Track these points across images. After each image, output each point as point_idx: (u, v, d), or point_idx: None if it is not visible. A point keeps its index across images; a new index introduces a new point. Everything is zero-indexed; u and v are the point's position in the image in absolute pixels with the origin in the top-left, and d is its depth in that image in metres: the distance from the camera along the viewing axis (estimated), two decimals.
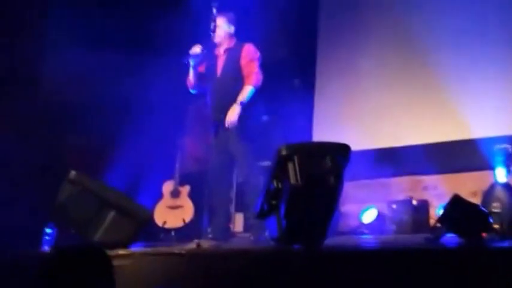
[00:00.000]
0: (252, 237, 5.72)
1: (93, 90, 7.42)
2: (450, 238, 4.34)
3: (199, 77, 5.95)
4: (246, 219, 6.47)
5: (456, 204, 4.47)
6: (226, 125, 5.64)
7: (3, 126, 6.70)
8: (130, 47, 7.46)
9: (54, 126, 7.23)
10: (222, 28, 5.86)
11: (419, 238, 4.77)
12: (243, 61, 5.77)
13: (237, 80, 5.75)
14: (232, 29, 5.91)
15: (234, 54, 5.83)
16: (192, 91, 6.07)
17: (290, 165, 4.39)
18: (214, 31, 5.76)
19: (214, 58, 5.91)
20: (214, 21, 5.76)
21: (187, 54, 5.83)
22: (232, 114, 5.61)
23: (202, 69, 5.96)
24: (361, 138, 6.98)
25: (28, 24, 7.04)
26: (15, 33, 6.94)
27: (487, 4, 6.95)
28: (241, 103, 5.61)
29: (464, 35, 7.00)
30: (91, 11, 7.36)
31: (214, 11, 5.73)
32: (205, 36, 5.86)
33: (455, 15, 7.10)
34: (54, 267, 2.66)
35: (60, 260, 2.67)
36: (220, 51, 5.92)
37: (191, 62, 5.84)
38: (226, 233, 5.85)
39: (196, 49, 5.79)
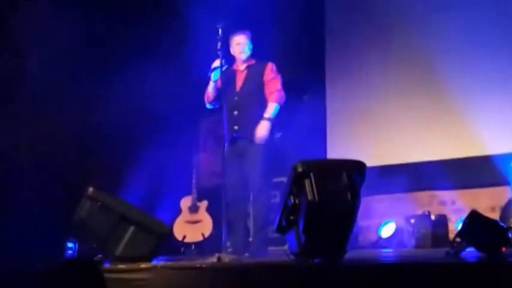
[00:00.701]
0: (247, 254, 5.73)
1: (109, 109, 7.50)
2: (470, 252, 4.35)
3: (217, 92, 5.99)
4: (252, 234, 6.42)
5: (474, 219, 4.48)
6: (256, 141, 5.70)
7: (30, 150, 6.84)
8: (143, 63, 7.55)
9: (74, 147, 7.33)
10: (247, 46, 5.95)
11: (439, 252, 4.78)
12: (267, 78, 5.86)
13: (257, 96, 5.81)
14: (251, 47, 6.00)
15: (256, 71, 5.90)
16: (208, 105, 6.12)
17: (307, 182, 4.43)
18: (221, 51, 5.82)
19: (233, 73, 5.97)
20: (221, 41, 5.82)
21: (210, 69, 5.90)
22: (263, 130, 5.69)
23: (218, 84, 6.01)
24: (376, 154, 7.03)
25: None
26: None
27: (506, 15, 6.97)
28: (270, 119, 5.67)
29: (481, 49, 7.03)
30: (99, 28, 7.41)
31: (220, 31, 5.80)
32: (213, 55, 5.92)
33: (473, 29, 7.13)
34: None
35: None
36: (240, 67, 5.98)
37: (213, 76, 5.90)
38: (246, 247, 5.85)
39: (217, 63, 5.86)
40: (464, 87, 6.98)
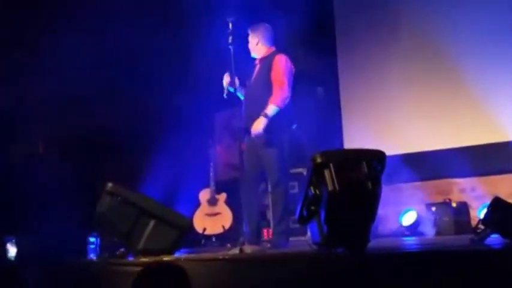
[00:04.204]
0: (269, 245, 5.72)
1: (127, 105, 7.54)
2: (495, 239, 4.34)
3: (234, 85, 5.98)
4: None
5: (497, 205, 4.46)
6: (252, 135, 5.67)
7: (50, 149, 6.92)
8: (158, 62, 7.56)
9: (94, 143, 7.39)
10: (252, 42, 5.93)
11: (463, 240, 4.77)
12: (273, 73, 5.79)
13: (264, 90, 5.76)
14: (257, 40, 5.94)
15: (266, 64, 5.87)
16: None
17: (326, 173, 4.43)
18: (232, 44, 5.80)
19: (253, 65, 5.97)
20: (232, 35, 5.80)
21: (223, 89, 5.89)
22: (257, 126, 5.62)
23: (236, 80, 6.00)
24: (393, 143, 7.00)
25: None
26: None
27: None
28: (267, 116, 5.61)
29: (498, 33, 6.97)
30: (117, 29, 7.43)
31: (230, 25, 5.77)
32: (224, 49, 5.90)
33: (491, 21, 7.07)
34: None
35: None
36: (256, 62, 5.97)
37: (231, 90, 5.90)
38: (258, 238, 5.84)
39: (227, 78, 5.86)
40: (483, 73, 6.94)
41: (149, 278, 2.91)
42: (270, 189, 5.93)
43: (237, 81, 5.88)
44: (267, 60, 5.86)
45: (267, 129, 5.62)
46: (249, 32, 5.95)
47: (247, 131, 5.73)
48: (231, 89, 5.90)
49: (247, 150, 5.83)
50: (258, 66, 5.93)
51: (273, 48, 5.92)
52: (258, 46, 5.94)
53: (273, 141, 5.68)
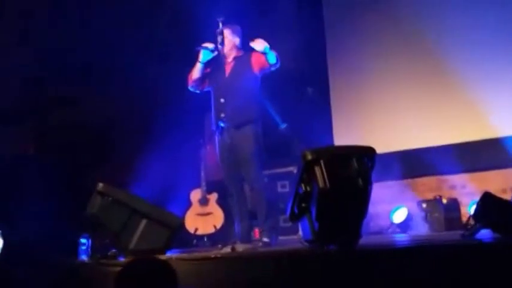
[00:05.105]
0: (261, 243, 5.72)
1: (118, 106, 7.52)
2: (485, 234, 4.35)
3: (203, 76, 5.98)
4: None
5: (488, 200, 4.48)
6: (258, 47, 5.60)
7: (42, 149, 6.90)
8: (152, 60, 7.55)
9: (84, 143, 7.37)
10: (228, 39, 5.93)
11: (454, 235, 4.78)
12: (254, 59, 5.81)
13: (246, 83, 5.79)
14: (237, 40, 5.98)
15: (244, 59, 5.89)
16: (190, 88, 6.06)
17: (317, 169, 4.44)
18: (222, 44, 5.81)
19: (223, 64, 5.97)
20: (222, 34, 5.81)
21: (200, 45, 5.87)
22: (262, 42, 5.58)
23: (207, 70, 5.99)
24: (384, 140, 7.01)
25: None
26: None
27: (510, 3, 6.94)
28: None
29: (487, 34, 6.98)
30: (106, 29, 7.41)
31: (220, 25, 5.79)
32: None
33: (480, 15, 7.07)
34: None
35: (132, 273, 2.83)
36: (228, 60, 5.98)
37: (201, 56, 5.87)
38: (250, 237, 5.83)
39: (210, 45, 5.85)
40: (472, 70, 6.95)
41: (133, 272, 2.88)
42: (249, 185, 5.91)
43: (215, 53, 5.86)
44: (244, 57, 5.88)
45: (248, 118, 5.67)
46: (228, 30, 5.93)
47: (234, 125, 5.72)
48: (207, 52, 5.84)
49: (222, 150, 5.84)
50: (231, 64, 5.94)
51: (242, 50, 5.97)
52: (235, 46, 5.95)
53: (253, 132, 5.69)
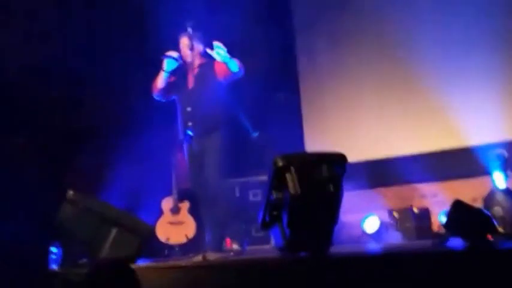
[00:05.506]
0: (232, 252, 5.67)
1: (87, 111, 7.45)
2: (456, 242, 4.37)
3: (168, 85, 5.96)
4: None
5: (459, 208, 4.50)
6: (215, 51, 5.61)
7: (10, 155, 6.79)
8: (121, 65, 7.49)
9: (56, 150, 7.27)
10: (198, 47, 5.95)
11: (425, 244, 4.80)
12: (217, 66, 5.81)
13: (210, 93, 5.81)
14: (201, 47, 5.96)
15: (208, 67, 5.89)
16: (156, 96, 6.04)
17: (288, 176, 4.46)
18: (192, 49, 5.79)
19: (186, 70, 5.97)
20: (191, 39, 5.80)
21: (164, 55, 5.86)
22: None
23: (172, 79, 5.97)
24: (355, 148, 7.03)
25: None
26: None
27: (479, 12, 7.01)
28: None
29: (457, 43, 7.06)
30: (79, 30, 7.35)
31: (190, 30, 5.78)
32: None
33: (449, 24, 7.14)
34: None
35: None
36: (192, 68, 5.97)
37: (165, 65, 5.86)
38: (221, 246, 5.79)
39: (174, 54, 5.83)
40: (442, 78, 7.00)
41: (95, 280, 2.86)
42: (211, 195, 5.86)
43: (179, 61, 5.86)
44: (207, 66, 5.88)
45: (215, 126, 5.69)
46: (194, 37, 5.91)
47: (201, 133, 5.71)
48: (171, 61, 5.83)
49: (191, 158, 5.85)
50: (195, 71, 5.93)
51: (204, 57, 5.97)
52: (199, 53, 5.94)
53: (220, 140, 5.71)
